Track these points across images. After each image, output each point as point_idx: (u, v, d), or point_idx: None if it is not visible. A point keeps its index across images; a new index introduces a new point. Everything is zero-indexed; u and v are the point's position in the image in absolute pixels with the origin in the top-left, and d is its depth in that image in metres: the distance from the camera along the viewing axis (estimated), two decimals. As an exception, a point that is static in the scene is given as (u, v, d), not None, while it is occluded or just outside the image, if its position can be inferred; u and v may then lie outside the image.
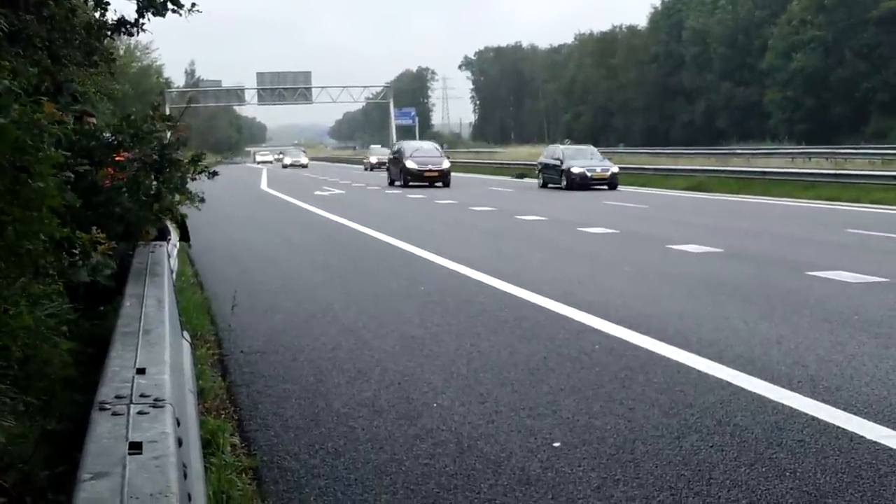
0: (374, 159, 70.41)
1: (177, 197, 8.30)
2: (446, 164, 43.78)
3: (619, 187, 37.91)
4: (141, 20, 8.89)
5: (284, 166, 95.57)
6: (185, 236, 10.87)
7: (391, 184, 44.83)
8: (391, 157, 48.96)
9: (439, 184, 42.11)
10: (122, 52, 45.46)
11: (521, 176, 50.54)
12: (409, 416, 6.80)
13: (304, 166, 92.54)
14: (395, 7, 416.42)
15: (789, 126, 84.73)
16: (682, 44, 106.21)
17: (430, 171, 42.92)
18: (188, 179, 8.42)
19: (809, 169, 38.69)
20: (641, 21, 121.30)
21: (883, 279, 12.55)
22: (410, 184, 42.10)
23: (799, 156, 51.30)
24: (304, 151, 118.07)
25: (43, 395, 4.97)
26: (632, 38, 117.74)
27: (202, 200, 8.70)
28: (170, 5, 8.69)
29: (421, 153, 44.82)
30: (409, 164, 43.43)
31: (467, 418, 6.69)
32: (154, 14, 8.73)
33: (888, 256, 15.39)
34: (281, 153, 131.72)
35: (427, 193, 36.92)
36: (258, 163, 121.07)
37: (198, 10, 8.96)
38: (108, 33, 9.28)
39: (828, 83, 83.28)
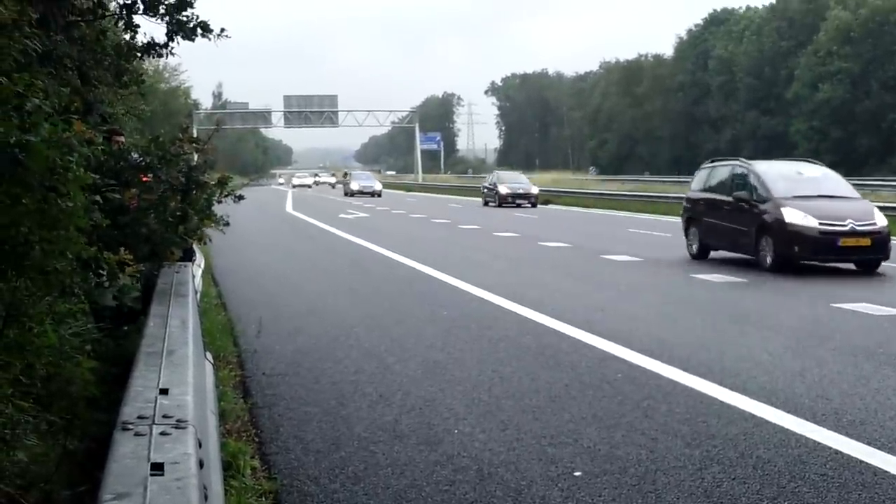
0: (354, 186, 75.61)
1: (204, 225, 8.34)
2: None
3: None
4: (170, 43, 8.96)
5: (349, 193, 71.86)
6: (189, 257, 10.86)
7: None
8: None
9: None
10: (150, 72, 45.82)
11: (547, 202, 50.70)
12: (430, 441, 6.79)
13: (378, 195, 68.11)
14: (421, 32, 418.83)
15: (815, 157, 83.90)
16: (707, 73, 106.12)
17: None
18: (214, 202, 8.45)
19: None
20: (667, 50, 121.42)
21: (909, 312, 12.45)
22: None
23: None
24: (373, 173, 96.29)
25: (65, 414, 4.99)
26: (657, 66, 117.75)
27: (227, 224, 8.74)
28: (199, 30, 8.76)
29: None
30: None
31: (488, 445, 6.67)
32: (184, 38, 8.80)
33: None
34: (316, 174, 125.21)
35: (451, 219, 37.00)
36: (294, 186, 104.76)
37: (227, 36, 9.04)
38: (138, 55, 9.36)
39: (854, 114, 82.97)
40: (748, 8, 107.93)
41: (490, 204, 49.65)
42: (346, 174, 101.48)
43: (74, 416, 4.99)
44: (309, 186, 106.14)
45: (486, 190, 52.12)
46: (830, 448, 6.52)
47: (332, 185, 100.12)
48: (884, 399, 7.88)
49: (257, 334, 10.40)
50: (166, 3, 8.48)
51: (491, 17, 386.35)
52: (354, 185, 72.05)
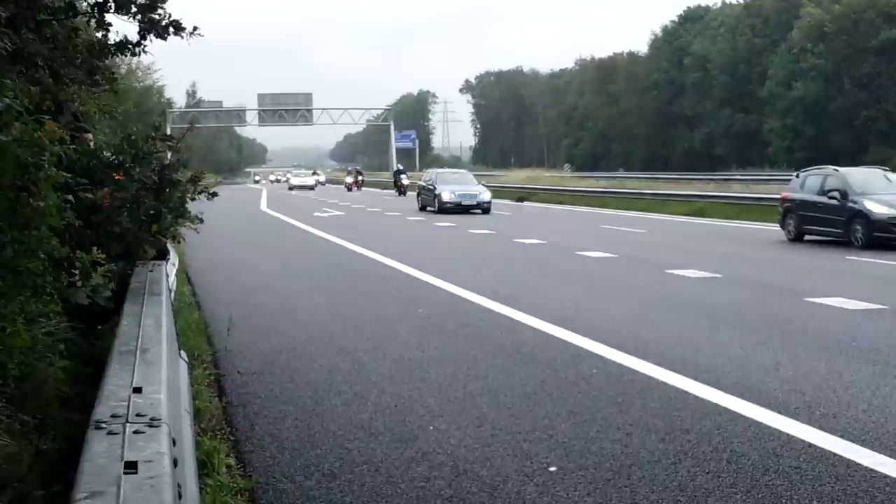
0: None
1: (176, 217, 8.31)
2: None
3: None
4: (143, 42, 8.90)
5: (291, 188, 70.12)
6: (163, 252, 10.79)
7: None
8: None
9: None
10: (123, 71, 45.59)
11: (522, 199, 50.76)
12: (405, 438, 6.80)
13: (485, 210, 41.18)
14: (397, 31, 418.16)
15: (789, 154, 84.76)
16: (682, 71, 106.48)
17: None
18: (188, 200, 8.42)
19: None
20: (643, 48, 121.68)
21: (881, 306, 12.55)
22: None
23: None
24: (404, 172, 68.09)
25: (38, 414, 4.96)
26: (632, 64, 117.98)
27: (201, 221, 8.70)
28: (172, 29, 8.70)
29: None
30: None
31: (463, 442, 6.69)
32: (156, 37, 8.75)
33: (886, 283, 15.40)
34: (315, 172, 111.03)
35: (425, 217, 37.00)
36: (293, 188, 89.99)
37: (200, 34, 8.98)
38: (111, 53, 9.30)
39: (827, 112, 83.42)
40: (724, 3, 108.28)
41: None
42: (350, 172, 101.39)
43: (47, 416, 4.96)
44: (311, 188, 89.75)
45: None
46: (804, 441, 6.56)
47: (311, 187, 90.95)
48: (856, 392, 7.94)
49: (227, 332, 10.38)
50: (138, 2, 8.43)
51: (467, 17, 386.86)
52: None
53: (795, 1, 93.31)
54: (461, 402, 7.81)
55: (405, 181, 63.69)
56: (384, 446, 6.62)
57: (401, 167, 72.60)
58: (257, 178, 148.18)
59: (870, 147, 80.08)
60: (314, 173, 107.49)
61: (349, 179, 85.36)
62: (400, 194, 61.82)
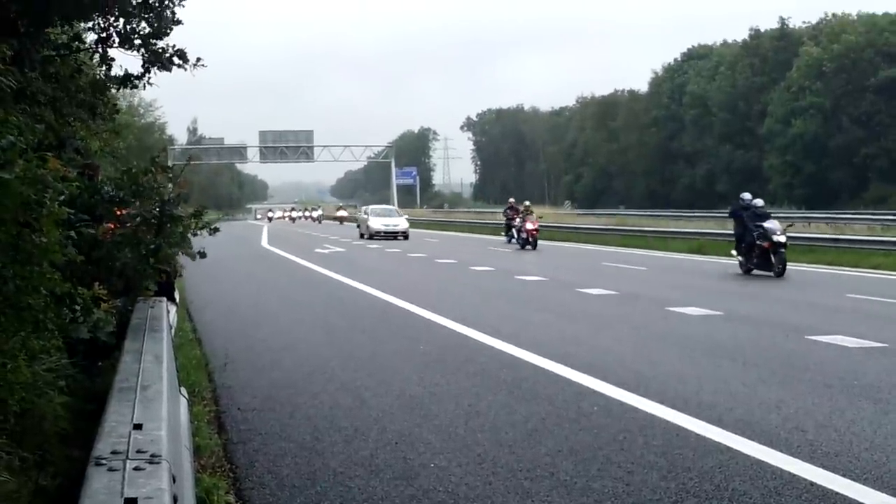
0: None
1: (178, 251, 8.33)
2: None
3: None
4: (147, 74, 8.95)
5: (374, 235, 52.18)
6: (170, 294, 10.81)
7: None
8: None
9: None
10: (125, 108, 45.78)
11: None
12: (406, 476, 6.77)
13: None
14: (398, 68, 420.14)
15: (789, 190, 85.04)
16: (682, 108, 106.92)
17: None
18: (190, 235, 8.44)
19: (809, 233, 38.73)
20: (642, 86, 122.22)
21: (883, 344, 12.53)
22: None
23: (799, 220, 51.47)
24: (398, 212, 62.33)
25: (38, 450, 4.95)
26: (632, 101, 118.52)
27: (203, 256, 8.72)
28: (176, 60, 8.76)
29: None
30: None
31: (464, 479, 6.66)
32: (160, 69, 8.80)
33: (888, 322, 15.38)
34: (315, 208, 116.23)
35: (428, 252, 37.04)
36: (293, 219, 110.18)
37: (203, 65, 9.04)
38: (114, 88, 9.35)
39: (827, 149, 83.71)
40: (724, 43, 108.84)
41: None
42: (339, 208, 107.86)
43: (47, 452, 4.95)
44: (314, 220, 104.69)
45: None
46: (806, 480, 6.53)
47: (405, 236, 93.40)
48: (858, 430, 7.92)
49: (224, 367, 10.37)
50: (141, 33, 8.49)
51: (468, 55, 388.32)
52: (376, 225, 53.43)
53: (794, 39, 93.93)
54: (462, 439, 7.79)
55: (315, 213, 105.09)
56: (385, 483, 6.59)
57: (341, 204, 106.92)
58: (259, 215, 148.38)
59: (870, 184, 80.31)
60: (313, 209, 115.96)
61: (315, 213, 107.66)
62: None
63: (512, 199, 49.85)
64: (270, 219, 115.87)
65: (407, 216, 58.60)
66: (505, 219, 46.25)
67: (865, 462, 6.99)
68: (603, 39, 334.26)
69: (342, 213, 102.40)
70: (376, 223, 53.42)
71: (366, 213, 57.67)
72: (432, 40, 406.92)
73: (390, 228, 52.68)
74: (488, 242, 45.95)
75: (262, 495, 6.43)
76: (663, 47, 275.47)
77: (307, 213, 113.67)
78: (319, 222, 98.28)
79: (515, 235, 41.76)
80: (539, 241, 39.81)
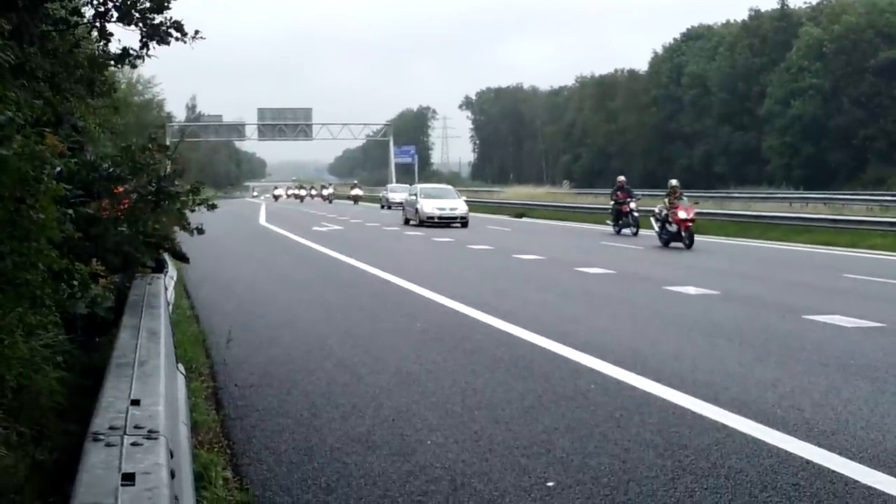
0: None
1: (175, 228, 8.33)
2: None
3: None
4: (145, 48, 8.89)
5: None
6: (183, 258, 10.86)
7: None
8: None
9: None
10: (123, 85, 45.68)
11: (521, 215, 50.74)
12: (403, 452, 6.78)
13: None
14: (397, 48, 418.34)
15: (787, 171, 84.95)
16: (681, 88, 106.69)
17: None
18: (187, 211, 8.44)
19: (807, 214, 38.79)
20: (642, 66, 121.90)
21: (879, 324, 12.55)
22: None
23: (797, 200, 51.49)
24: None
25: (35, 426, 4.96)
26: (631, 81, 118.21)
27: (201, 232, 8.71)
28: (174, 31, 8.69)
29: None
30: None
31: (461, 456, 6.67)
32: (159, 42, 8.74)
33: (885, 301, 15.41)
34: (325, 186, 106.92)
35: (425, 232, 37.01)
36: (300, 198, 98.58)
37: (202, 38, 8.97)
38: (112, 64, 9.30)
39: (826, 130, 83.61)
40: (726, 22, 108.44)
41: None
42: (354, 185, 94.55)
43: (44, 428, 4.96)
44: (324, 200, 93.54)
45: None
46: (802, 458, 6.56)
47: (328, 199, 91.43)
48: (855, 409, 7.94)
49: (227, 344, 10.37)
50: (140, 6, 8.44)
51: (468, 34, 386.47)
52: (429, 208, 42.20)
53: (794, 20, 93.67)
54: (459, 416, 7.80)
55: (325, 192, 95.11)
56: (382, 460, 6.61)
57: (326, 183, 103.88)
58: (255, 192, 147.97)
59: (868, 166, 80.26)
60: (323, 186, 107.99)
61: (325, 192, 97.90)
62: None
63: (622, 178, 36.88)
64: (276, 197, 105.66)
65: (465, 198, 46.77)
66: (613, 202, 36.09)
67: (862, 441, 7.01)
68: (603, 19, 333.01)
69: (357, 191, 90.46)
70: (429, 206, 41.85)
71: (414, 193, 45.56)
72: (432, 20, 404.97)
73: (447, 213, 41.49)
74: (584, 233, 37.69)
75: (260, 471, 6.45)
76: (664, 27, 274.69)
77: (313, 192, 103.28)
78: (330, 202, 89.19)
79: (644, 225, 32.72)
80: (536, 220, 39.04)
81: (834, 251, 26.98)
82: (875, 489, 5.92)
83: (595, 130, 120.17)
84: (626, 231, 34.35)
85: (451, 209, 41.66)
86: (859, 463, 6.45)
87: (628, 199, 34.81)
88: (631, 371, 9.42)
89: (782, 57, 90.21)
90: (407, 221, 43.38)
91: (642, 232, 33.17)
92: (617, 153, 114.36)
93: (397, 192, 68.55)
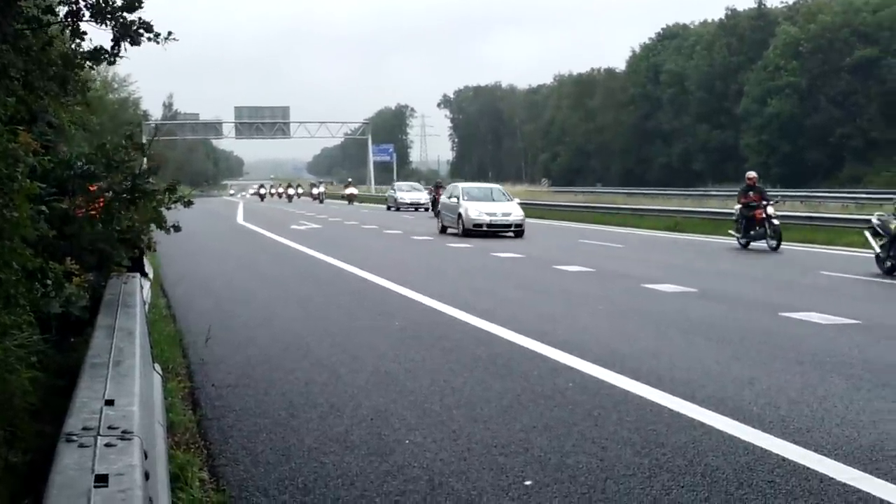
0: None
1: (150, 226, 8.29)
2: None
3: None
4: (117, 49, 8.82)
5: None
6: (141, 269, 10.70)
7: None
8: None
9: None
10: (98, 83, 45.43)
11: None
12: (381, 452, 6.77)
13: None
14: (375, 46, 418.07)
15: (765, 170, 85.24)
16: (659, 87, 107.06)
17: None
18: (163, 209, 8.40)
19: (784, 211, 38.94)
20: (620, 64, 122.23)
21: (855, 321, 12.62)
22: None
23: (774, 198, 51.74)
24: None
25: (8, 427, 4.92)
26: (610, 80, 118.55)
27: (178, 229, 8.66)
28: (145, 33, 8.62)
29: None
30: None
31: (439, 455, 6.66)
32: (130, 43, 8.67)
33: (860, 299, 15.49)
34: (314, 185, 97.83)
35: (402, 229, 36.96)
36: (290, 197, 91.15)
37: (174, 39, 8.89)
38: (85, 62, 9.22)
39: (803, 128, 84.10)
40: (704, 22, 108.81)
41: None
42: (348, 184, 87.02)
43: (17, 429, 4.91)
44: (315, 198, 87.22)
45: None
46: (778, 455, 6.58)
47: (319, 198, 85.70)
48: (830, 406, 7.97)
49: (206, 342, 10.32)
50: (112, 4, 8.36)
51: (446, 32, 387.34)
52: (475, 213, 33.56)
53: (771, 19, 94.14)
54: (437, 416, 7.79)
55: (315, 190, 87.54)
56: (360, 460, 6.59)
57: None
58: (233, 191, 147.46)
59: (844, 164, 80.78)
60: (312, 185, 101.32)
61: (316, 190, 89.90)
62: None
63: (752, 174, 29.11)
64: (262, 197, 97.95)
65: (518, 200, 37.18)
66: (740, 206, 27.55)
67: (837, 437, 7.04)
68: (581, 18, 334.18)
69: (352, 190, 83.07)
70: (476, 211, 32.77)
71: (455, 196, 34.67)
72: (410, 19, 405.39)
73: (498, 220, 32.46)
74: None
75: (236, 472, 6.42)
76: (642, 26, 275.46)
77: (300, 190, 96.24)
78: (321, 201, 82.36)
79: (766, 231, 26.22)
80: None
81: (811, 248, 27.11)
82: (850, 486, 5.94)
83: (573, 129, 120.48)
84: (759, 244, 26.50)
85: (504, 214, 32.89)
86: (834, 460, 6.48)
87: (763, 203, 26.77)
88: (609, 369, 9.43)
89: (759, 56, 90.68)
90: (444, 230, 34.74)
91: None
92: (595, 151, 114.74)
93: (407, 192, 63.52)
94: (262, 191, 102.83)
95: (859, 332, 11.92)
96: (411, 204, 60.63)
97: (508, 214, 32.88)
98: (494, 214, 32.78)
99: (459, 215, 33.22)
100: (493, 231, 32.23)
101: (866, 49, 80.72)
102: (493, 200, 34.33)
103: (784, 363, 9.89)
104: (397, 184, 71.70)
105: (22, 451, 4.66)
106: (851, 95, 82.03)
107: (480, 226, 32.40)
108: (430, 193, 52.41)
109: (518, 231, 32.44)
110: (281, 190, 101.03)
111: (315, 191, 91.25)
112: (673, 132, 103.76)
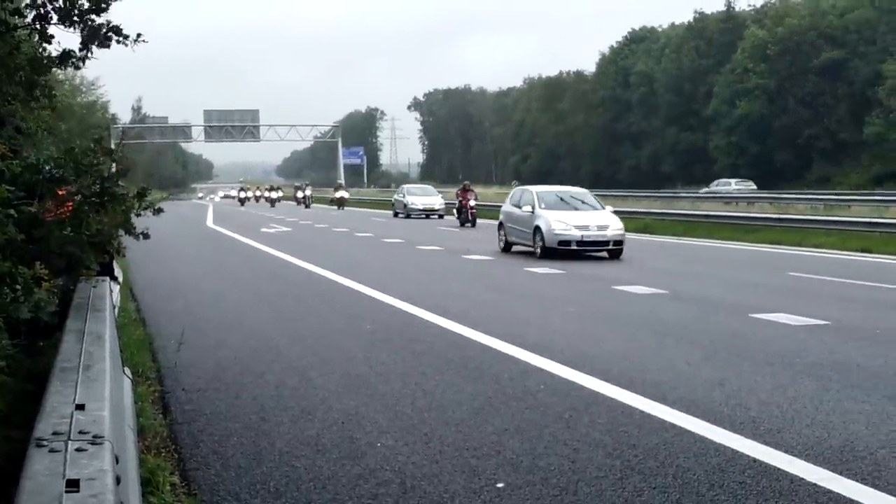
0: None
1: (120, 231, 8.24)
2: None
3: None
4: (85, 52, 8.77)
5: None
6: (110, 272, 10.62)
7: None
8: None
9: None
10: (67, 87, 45.12)
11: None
12: (353, 455, 6.76)
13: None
14: (345, 49, 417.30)
15: (734, 171, 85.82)
16: (628, 89, 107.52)
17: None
18: (133, 215, 8.35)
19: (753, 213, 39.23)
20: (589, 67, 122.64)
21: (824, 322, 12.71)
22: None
23: (743, 200, 52.08)
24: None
25: (-23, 432, 4.87)
26: (579, 83, 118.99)
27: (146, 237, 8.62)
28: (114, 36, 8.58)
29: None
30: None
31: (411, 458, 6.66)
32: (98, 46, 8.62)
33: (829, 300, 15.60)
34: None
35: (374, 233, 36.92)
36: (272, 201, 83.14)
37: (144, 41, 8.87)
38: (53, 66, 9.17)
39: (771, 130, 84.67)
40: (672, 25, 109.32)
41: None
42: (338, 186, 75.01)
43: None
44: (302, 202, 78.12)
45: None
46: (749, 456, 6.61)
47: (305, 202, 77.69)
48: (800, 407, 8.03)
49: (178, 348, 10.26)
50: (80, 7, 8.31)
51: (416, 36, 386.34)
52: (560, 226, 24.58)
53: (739, 22, 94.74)
54: (409, 418, 7.79)
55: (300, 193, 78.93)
56: (331, 463, 6.58)
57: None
58: (201, 194, 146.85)
59: (813, 165, 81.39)
60: (298, 187, 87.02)
61: (300, 193, 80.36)
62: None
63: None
64: (242, 201, 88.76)
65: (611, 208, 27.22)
66: None
67: (807, 438, 7.09)
68: (551, 21, 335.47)
69: (343, 193, 72.15)
70: (562, 223, 24.19)
71: (528, 204, 25.75)
72: (380, 22, 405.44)
73: (592, 236, 23.94)
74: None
75: (208, 476, 6.39)
76: (611, 29, 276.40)
77: (274, 195, 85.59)
78: (307, 206, 74.80)
79: None
80: (486, 221, 38.66)
81: (780, 250, 27.29)
82: (820, 486, 5.98)
83: (543, 131, 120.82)
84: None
85: (599, 227, 24.44)
86: (805, 461, 6.52)
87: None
88: (580, 371, 9.46)
89: (728, 58, 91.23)
90: (508, 247, 26.79)
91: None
92: (565, 154, 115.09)
93: (419, 195, 54.82)
94: (242, 194, 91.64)
95: (829, 333, 12.01)
96: (423, 210, 52.17)
97: (605, 228, 24.50)
98: (587, 228, 24.40)
99: (537, 230, 24.79)
100: (585, 249, 24.30)
101: (833, 51, 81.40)
102: (581, 209, 25.72)
103: (754, 364, 9.95)
104: (407, 186, 62.23)
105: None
106: (819, 97, 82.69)
107: (568, 243, 24.15)
108: (457, 197, 43.18)
109: (617, 249, 24.33)
110: (259, 193, 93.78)
111: (300, 194, 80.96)
112: (642, 134, 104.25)
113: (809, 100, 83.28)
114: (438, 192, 59.00)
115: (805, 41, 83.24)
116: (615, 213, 26.34)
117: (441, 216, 50.34)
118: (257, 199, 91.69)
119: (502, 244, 27.12)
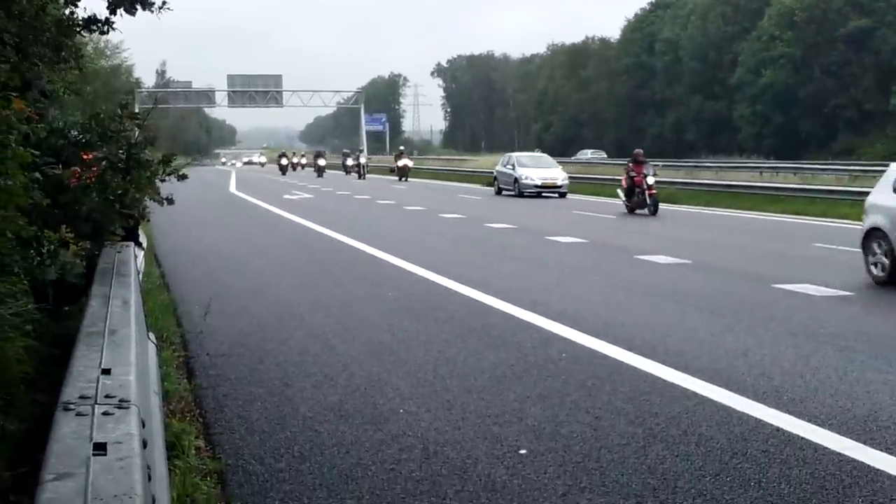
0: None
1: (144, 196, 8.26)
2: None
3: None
4: (111, 18, 8.78)
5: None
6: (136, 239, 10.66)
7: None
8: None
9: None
10: (91, 50, 45.17)
11: (491, 184, 50.25)
12: (376, 421, 6.79)
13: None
14: (368, 14, 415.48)
15: (758, 141, 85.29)
16: (653, 56, 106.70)
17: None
18: (158, 181, 8.37)
19: (777, 183, 38.98)
20: (615, 34, 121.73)
21: (848, 293, 12.65)
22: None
23: (767, 170, 51.71)
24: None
25: (4, 395, 4.92)
26: (603, 50, 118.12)
27: (171, 202, 8.64)
28: (139, 3, 8.58)
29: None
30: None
31: (433, 424, 6.68)
32: (125, 12, 8.62)
33: (853, 271, 15.49)
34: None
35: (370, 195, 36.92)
36: (320, 169, 70.00)
37: (168, 9, 8.87)
38: (78, 30, 9.17)
39: (796, 99, 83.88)
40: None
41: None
42: (399, 154, 60.25)
43: (13, 397, 4.91)
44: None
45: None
46: (772, 425, 6.61)
47: (359, 171, 65.80)
48: (824, 377, 8.00)
49: (204, 315, 10.31)
50: None
51: (440, 2, 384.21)
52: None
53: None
54: (431, 385, 7.81)
55: (350, 161, 68.78)
56: (354, 428, 6.61)
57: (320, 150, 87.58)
58: (224, 159, 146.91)
59: (838, 135, 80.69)
60: (346, 153, 75.86)
61: (350, 161, 69.35)
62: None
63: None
64: (283, 168, 78.54)
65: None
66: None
67: (830, 408, 7.07)
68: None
69: (406, 161, 59.49)
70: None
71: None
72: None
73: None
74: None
75: (232, 440, 6.43)
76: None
77: (322, 161, 72.18)
78: (361, 176, 64.24)
79: None
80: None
81: (804, 220, 27.13)
82: (844, 455, 5.97)
83: (566, 98, 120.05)
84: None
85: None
86: (828, 430, 6.51)
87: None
88: (602, 339, 9.46)
89: (754, 26, 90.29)
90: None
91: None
92: (588, 121, 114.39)
93: (533, 168, 40.37)
94: (284, 161, 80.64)
95: (852, 303, 11.96)
96: (542, 186, 38.80)
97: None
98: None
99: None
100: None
101: (861, 20, 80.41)
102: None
103: (777, 334, 9.91)
104: (516, 155, 43.98)
105: (18, 419, 4.66)
106: (846, 66, 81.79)
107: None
108: (626, 171, 30.57)
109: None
110: (305, 161, 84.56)
111: (350, 161, 69.89)
112: (666, 102, 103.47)
113: (835, 69, 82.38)
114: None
115: (832, 9, 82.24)
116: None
117: (562, 195, 38.86)
118: (301, 167, 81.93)
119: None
